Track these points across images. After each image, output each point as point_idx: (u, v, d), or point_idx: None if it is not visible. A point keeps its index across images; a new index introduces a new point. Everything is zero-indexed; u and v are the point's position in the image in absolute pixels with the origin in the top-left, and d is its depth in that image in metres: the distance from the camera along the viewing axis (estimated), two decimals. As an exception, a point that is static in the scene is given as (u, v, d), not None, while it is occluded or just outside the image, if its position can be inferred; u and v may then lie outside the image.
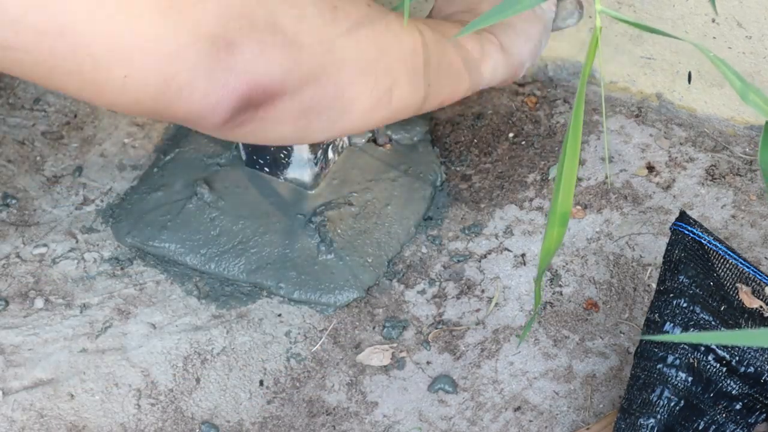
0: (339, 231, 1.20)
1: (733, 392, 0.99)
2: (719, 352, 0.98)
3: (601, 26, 0.61)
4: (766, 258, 1.18)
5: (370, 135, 1.29)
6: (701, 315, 0.99)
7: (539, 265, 0.72)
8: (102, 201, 1.28)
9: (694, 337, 0.55)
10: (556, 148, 1.29)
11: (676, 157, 1.27)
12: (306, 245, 1.20)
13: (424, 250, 1.22)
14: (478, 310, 1.17)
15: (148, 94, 0.76)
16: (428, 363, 1.14)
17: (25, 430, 1.11)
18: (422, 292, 1.19)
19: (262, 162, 1.24)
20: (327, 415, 1.10)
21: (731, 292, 1.02)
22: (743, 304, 1.02)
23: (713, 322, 0.99)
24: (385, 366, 1.13)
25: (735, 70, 0.61)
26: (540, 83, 1.36)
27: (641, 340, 1.00)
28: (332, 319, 1.17)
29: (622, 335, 1.14)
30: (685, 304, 0.99)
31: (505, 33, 1.02)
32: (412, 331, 1.16)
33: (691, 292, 0.99)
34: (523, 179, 1.27)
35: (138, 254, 1.23)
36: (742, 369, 0.98)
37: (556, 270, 1.19)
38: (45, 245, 1.24)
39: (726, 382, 0.98)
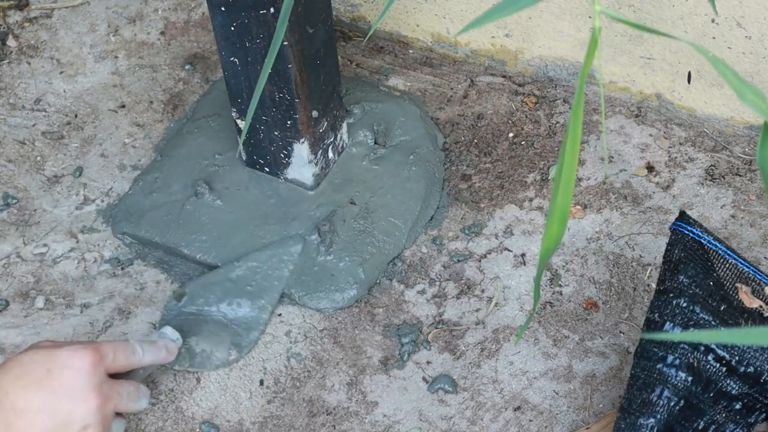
0: (339, 231, 1.20)
1: (733, 392, 0.99)
2: (719, 351, 0.98)
3: (601, 26, 0.61)
4: (765, 258, 1.18)
5: (370, 135, 1.28)
6: (701, 315, 0.99)
7: (539, 263, 0.71)
8: (102, 201, 1.28)
9: (694, 335, 0.55)
10: (556, 148, 1.29)
11: (676, 157, 1.27)
12: (306, 246, 1.20)
13: (424, 250, 1.22)
14: (478, 310, 1.17)
15: None
16: (428, 363, 1.14)
17: (25, 429, 1.11)
18: (422, 292, 1.19)
19: (262, 162, 1.24)
20: (327, 414, 1.10)
21: (731, 292, 1.02)
22: (743, 303, 1.02)
23: (713, 322, 0.99)
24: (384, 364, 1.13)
25: (734, 69, 0.60)
26: (540, 83, 1.36)
27: (641, 340, 1.00)
28: (332, 319, 1.17)
29: (621, 335, 1.14)
30: (685, 304, 0.99)
31: None
32: (412, 331, 1.16)
33: (691, 292, 0.99)
34: (523, 179, 1.27)
35: (138, 254, 1.23)
36: (742, 369, 0.98)
37: (556, 270, 1.19)
38: (45, 245, 1.24)
39: (726, 381, 0.98)
